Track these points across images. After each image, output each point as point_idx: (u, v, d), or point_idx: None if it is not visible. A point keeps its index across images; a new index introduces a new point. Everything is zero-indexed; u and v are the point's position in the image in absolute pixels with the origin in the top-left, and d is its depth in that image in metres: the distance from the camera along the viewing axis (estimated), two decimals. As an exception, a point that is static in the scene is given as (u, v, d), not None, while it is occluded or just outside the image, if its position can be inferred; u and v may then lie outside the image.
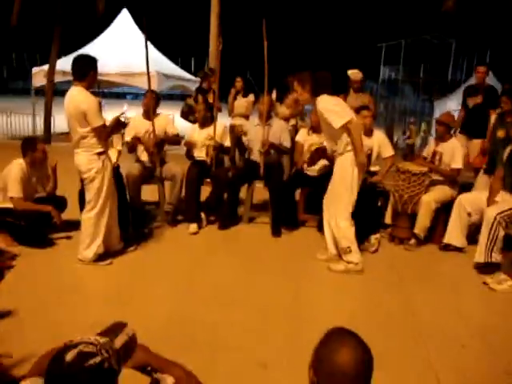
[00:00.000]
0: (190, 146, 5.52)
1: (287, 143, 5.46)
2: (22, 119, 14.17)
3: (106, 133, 4.03)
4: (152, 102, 5.13)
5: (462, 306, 3.76)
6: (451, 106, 16.81)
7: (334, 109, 4.04)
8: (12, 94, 40.73)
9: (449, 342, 3.16)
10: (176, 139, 5.49)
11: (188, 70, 18.32)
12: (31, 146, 4.57)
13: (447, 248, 4.94)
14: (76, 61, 3.98)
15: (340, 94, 6.72)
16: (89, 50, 13.78)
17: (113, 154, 4.29)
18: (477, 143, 6.35)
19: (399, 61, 33.56)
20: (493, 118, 5.74)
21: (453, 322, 3.46)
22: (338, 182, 4.23)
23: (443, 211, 5.10)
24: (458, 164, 5.09)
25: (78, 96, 3.90)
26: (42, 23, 14.29)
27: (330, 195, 4.35)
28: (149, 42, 16.64)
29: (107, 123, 4.04)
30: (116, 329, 1.54)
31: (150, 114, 5.10)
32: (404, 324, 3.39)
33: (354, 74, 6.74)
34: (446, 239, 4.93)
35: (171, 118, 5.56)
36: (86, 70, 3.94)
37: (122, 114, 4.22)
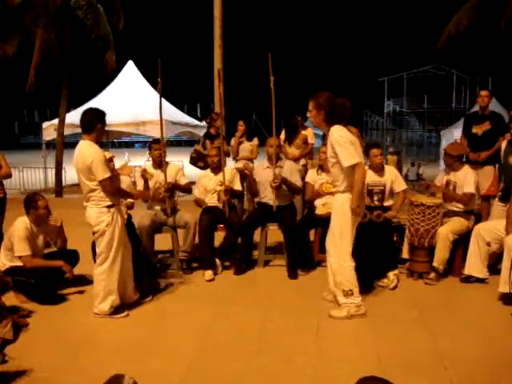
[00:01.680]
0: (200, 203, 5.55)
1: (298, 184, 5.43)
2: (34, 173, 14.39)
3: (113, 188, 3.98)
4: (163, 151, 5.23)
5: (489, 339, 3.62)
6: (457, 135, 16.85)
7: (347, 146, 3.85)
8: (23, 148, 41.61)
9: (480, 380, 3.02)
10: (187, 188, 5.50)
11: (194, 116, 18.68)
12: (32, 204, 4.51)
13: (468, 280, 4.83)
14: (84, 114, 4.03)
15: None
16: (97, 101, 14.17)
17: (123, 208, 4.28)
18: (489, 169, 6.23)
19: (402, 93, 34.06)
20: (503, 144, 5.67)
21: (482, 358, 3.31)
22: (337, 221, 4.04)
23: (461, 242, 5.03)
24: (470, 189, 5.05)
25: (84, 149, 3.92)
26: (51, 79, 14.68)
27: (329, 235, 4.16)
28: (154, 90, 16.98)
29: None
30: (115, 382, 1.51)
31: (159, 164, 5.21)
32: (430, 362, 3.26)
33: None
34: (467, 271, 4.84)
35: (181, 168, 5.57)
36: (93, 123, 3.97)
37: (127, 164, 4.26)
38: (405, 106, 33.80)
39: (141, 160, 21.52)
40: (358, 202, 3.91)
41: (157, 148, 5.35)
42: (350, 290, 4.01)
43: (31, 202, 4.53)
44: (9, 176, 5.83)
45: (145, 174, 5.07)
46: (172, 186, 5.23)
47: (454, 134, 18.46)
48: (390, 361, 3.26)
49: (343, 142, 3.85)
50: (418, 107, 33.10)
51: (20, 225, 4.46)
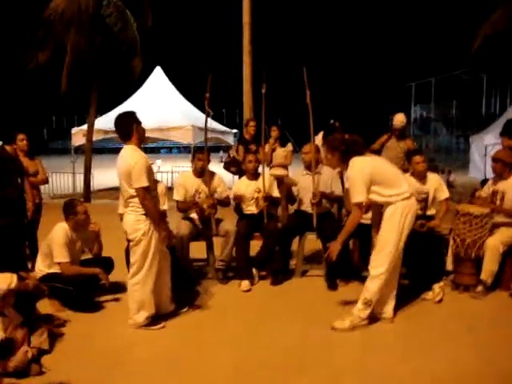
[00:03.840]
0: (239, 200, 5.35)
1: (339, 191, 5.25)
2: (63, 178, 14.50)
3: (147, 199, 3.75)
4: (207, 160, 5.17)
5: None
6: (488, 140, 16.42)
7: (356, 183, 3.85)
8: (52, 153, 42.38)
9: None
10: (227, 201, 5.36)
11: (220, 122, 18.67)
12: (72, 210, 4.45)
13: (519, 294, 4.59)
14: (116, 122, 3.93)
15: (383, 135, 6.61)
16: (124, 107, 14.24)
17: None
18: None
19: (430, 99, 33.44)
20: None
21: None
22: (385, 230, 3.94)
23: (511, 254, 4.76)
24: None
25: (127, 154, 3.82)
26: (79, 86, 14.82)
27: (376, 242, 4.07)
28: (182, 96, 17.04)
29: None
30: None
31: (202, 173, 5.16)
32: (483, 380, 3.09)
33: (397, 121, 6.50)
34: (518, 284, 4.59)
35: (223, 180, 5.45)
36: (128, 126, 3.87)
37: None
38: (432, 112, 33.17)
39: (168, 166, 21.57)
40: (346, 236, 4.01)
41: (200, 158, 5.19)
42: (370, 301, 3.91)
43: (70, 207, 4.47)
44: (45, 182, 5.80)
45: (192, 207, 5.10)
46: (217, 201, 5.12)
47: (484, 140, 17.98)
48: (444, 382, 3.06)
49: (354, 178, 3.89)
50: (446, 113, 32.44)
51: (60, 230, 4.39)
